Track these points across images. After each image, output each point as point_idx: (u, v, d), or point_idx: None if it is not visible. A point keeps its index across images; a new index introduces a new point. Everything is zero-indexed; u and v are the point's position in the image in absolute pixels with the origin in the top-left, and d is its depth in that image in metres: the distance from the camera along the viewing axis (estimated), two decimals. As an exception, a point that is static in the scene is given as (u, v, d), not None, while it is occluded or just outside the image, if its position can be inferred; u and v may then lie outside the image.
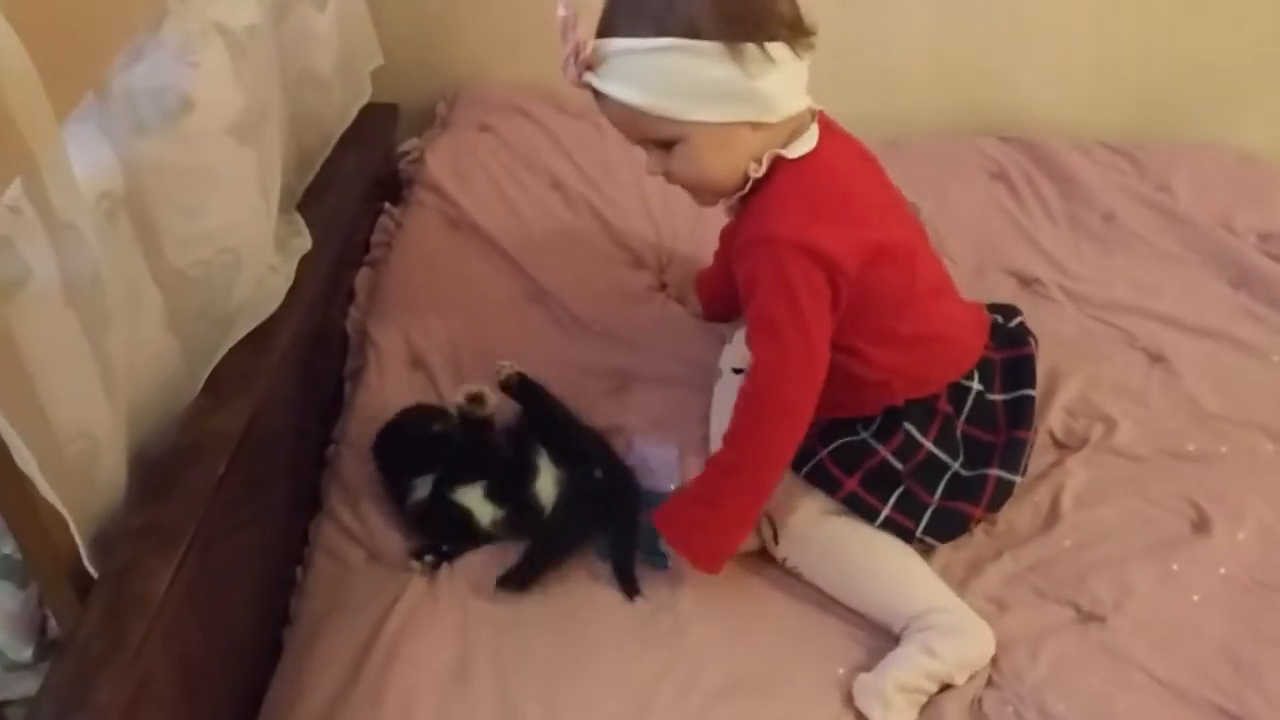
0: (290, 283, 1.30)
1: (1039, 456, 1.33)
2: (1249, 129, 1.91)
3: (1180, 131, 1.91)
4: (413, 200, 1.69)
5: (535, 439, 1.27)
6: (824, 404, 1.22)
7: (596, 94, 1.12)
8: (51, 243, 0.89)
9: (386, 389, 1.41)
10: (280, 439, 1.26)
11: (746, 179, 1.13)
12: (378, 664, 1.12)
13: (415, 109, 1.84)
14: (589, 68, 1.10)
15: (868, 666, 1.12)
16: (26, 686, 1.01)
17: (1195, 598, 1.20)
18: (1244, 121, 1.92)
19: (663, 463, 1.30)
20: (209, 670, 1.10)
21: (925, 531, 1.18)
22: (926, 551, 1.21)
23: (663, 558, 1.21)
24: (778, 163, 1.12)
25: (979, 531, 1.25)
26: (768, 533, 1.20)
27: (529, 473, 1.24)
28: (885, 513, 1.18)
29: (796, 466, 1.21)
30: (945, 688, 1.11)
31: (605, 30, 1.10)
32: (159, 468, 1.08)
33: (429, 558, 1.20)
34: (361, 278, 1.59)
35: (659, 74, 1.07)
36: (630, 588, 1.18)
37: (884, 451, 1.19)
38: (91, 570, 0.96)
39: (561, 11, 1.10)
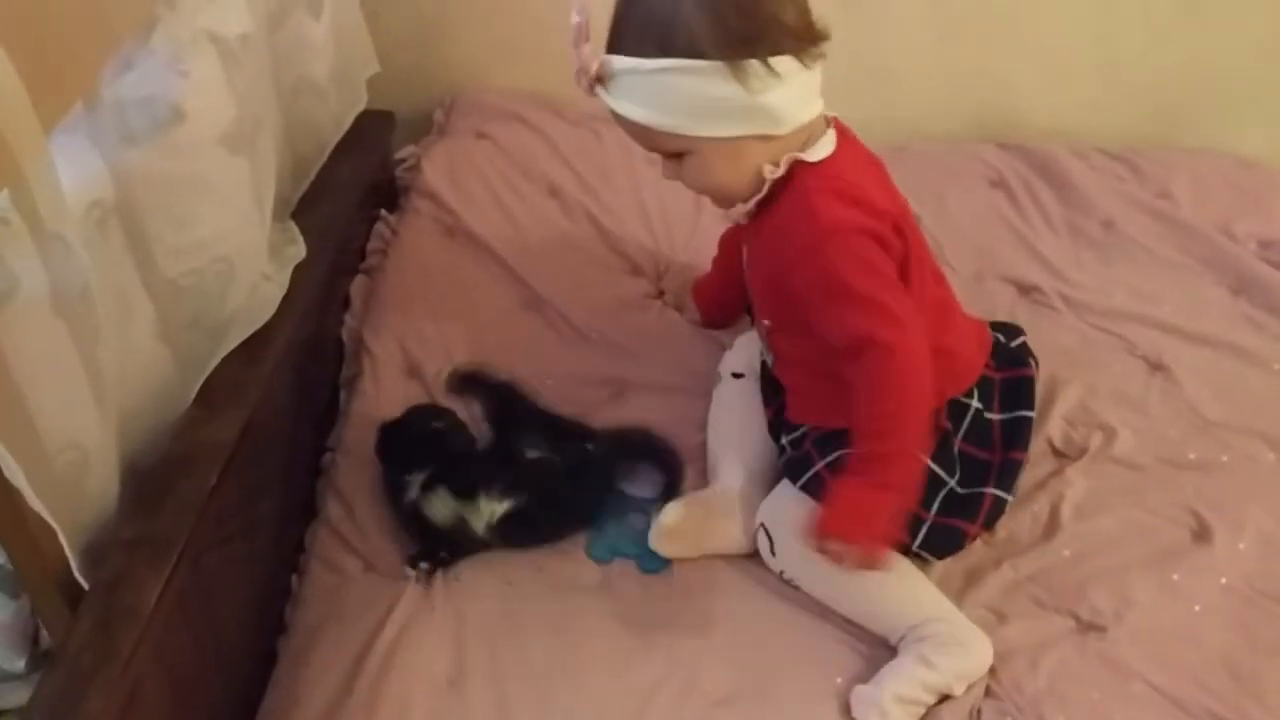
0: (284, 291, 1.30)
1: (1038, 465, 1.32)
2: (1249, 135, 1.90)
3: (1180, 137, 1.90)
4: (409, 208, 1.68)
5: (512, 427, 1.28)
6: (824, 412, 1.22)
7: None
8: (39, 254, 0.88)
9: (382, 397, 1.40)
10: (274, 448, 1.25)
11: (762, 183, 1.13)
12: (373, 672, 1.11)
13: (412, 116, 1.84)
14: (599, 81, 1.10)
15: (866, 676, 1.11)
16: (20, 697, 1.01)
17: (1196, 608, 1.19)
18: (1244, 127, 1.92)
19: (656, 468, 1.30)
20: (201, 681, 1.10)
21: (921, 547, 1.17)
22: (925, 562, 1.20)
23: (658, 562, 1.20)
24: (797, 166, 1.12)
25: (978, 541, 1.24)
26: (764, 544, 1.20)
27: (520, 450, 1.25)
28: (882, 525, 1.17)
29: (793, 477, 1.21)
30: (944, 698, 1.11)
31: (613, 45, 1.11)
32: (151, 478, 1.07)
33: (424, 565, 1.20)
34: (357, 285, 1.58)
35: (663, 93, 1.08)
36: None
37: None
38: (82, 581, 0.96)
39: (575, 18, 1.10)
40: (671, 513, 1.20)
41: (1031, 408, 1.26)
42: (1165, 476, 1.33)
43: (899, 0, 1.83)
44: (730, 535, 1.22)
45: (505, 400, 1.33)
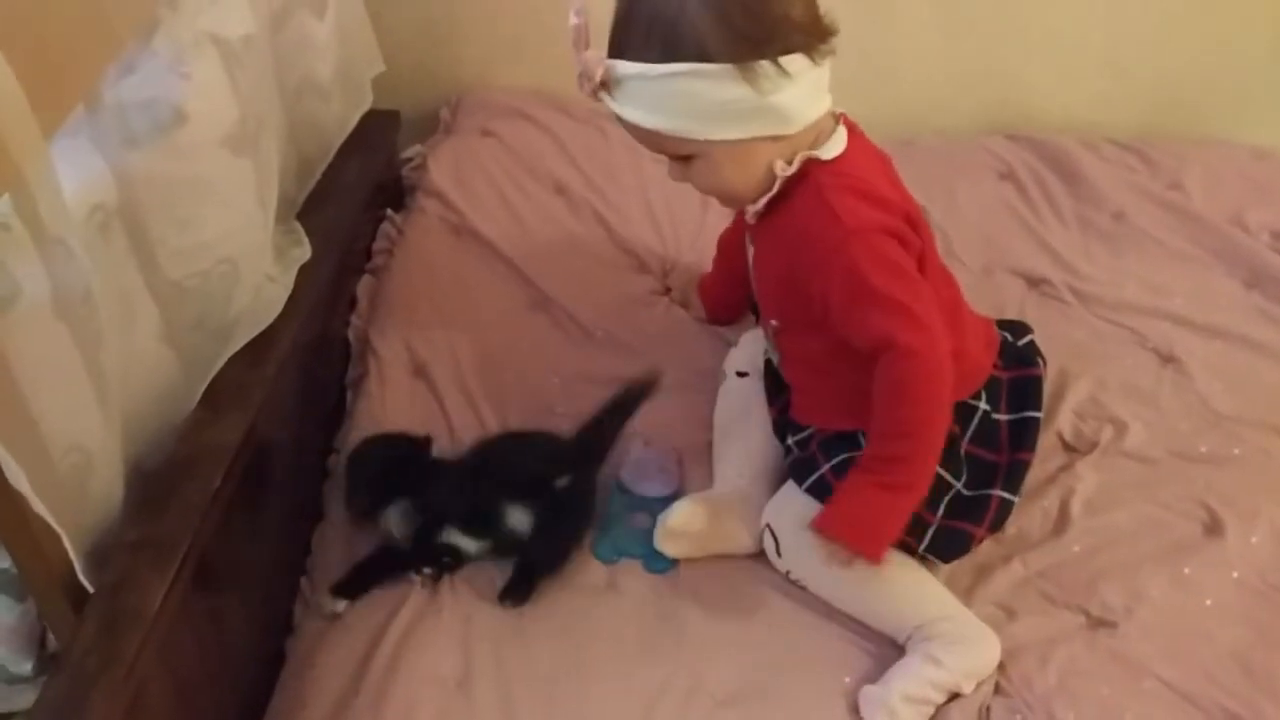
0: (289, 292, 1.30)
1: (1048, 460, 1.31)
2: (1262, 125, 1.89)
3: (1192, 128, 1.89)
4: (415, 207, 1.68)
5: (485, 474, 1.24)
6: (829, 413, 1.21)
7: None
8: (41, 259, 0.88)
9: (388, 397, 1.40)
10: (280, 449, 1.25)
11: (772, 182, 1.12)
12: (380, 674, 1.11)
13: (418, 115, 1.84)
14: (603, 87, 1.09)
15: (874, 675, 1.11)
16: (28, 699, 1.01)
17: (1207, 602, 1.18)
18: (1257, 117, 1.90)
19: (661, 468, 1.29)
20: (205, 683, 1.10)
21: (927, 550, 1.16)
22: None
23: (664, 563, 1.20)
24: (810, 164, 1.11)
25: (987, 536, 1.24)
26: (770, 544, 1.19)
27: (496, 510, 1.20)
28: (886, 529, 1.16)
29: (799, 479, 1.20)
30: (953, 697, 1.10)
31: (615, 50, 1.09)
32: (155, 480, 1.07)
33: (428, 570, 1.19)
34: (363, 285, 1.58)
35: (671, 98, 1.07)
36: (519, 595, 1.17)
37: None
38: (86, 584, 0.96)
39: (573, 20, 1.08)
40: (677, 513, 1.20)
41: (1039, 408, 1.24)
42: (1176, 470, 1.32)
43: (907, -4, 1.82)
44: (736, 535, 1.21)
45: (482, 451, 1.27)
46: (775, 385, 1.31)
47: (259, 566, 1.22)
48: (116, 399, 1.01)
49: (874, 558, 1.10)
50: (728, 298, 1.46)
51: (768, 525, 1.19)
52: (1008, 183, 1.77)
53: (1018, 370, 1.26)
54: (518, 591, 1.17)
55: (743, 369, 1.36)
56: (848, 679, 1.11)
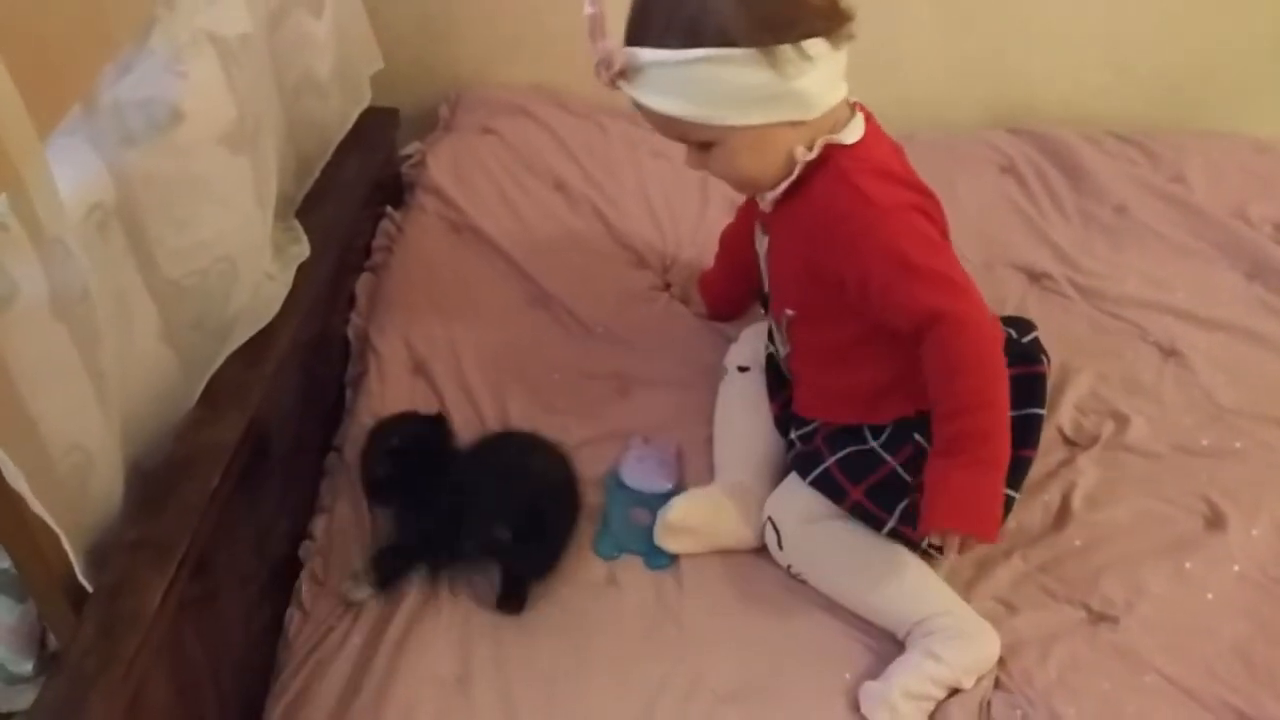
0: (288, 290, 1.29)
1: (1049, 454, 1.31)
2: (1264, 117, 1.88)
3: (1194, 121, 1.88)
4: (414, 204, 1.68)
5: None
6: (835, 407, 1.21)
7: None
8: (39, 258, 0.88)
9: (388, 395, 1.40)
10: (279, 448, 1.25)
11: (791, 168, 1.12)
12: (380, 672, 1.11)
13: (417, 112, 1.84)
14: (623, 75, 1.08)
15: (874, 671, 1.11)
16: (28, 699, 1.00)
17: (1209, 596, 1.18)
18: (1259, 110, 1.90)
19: (660, 462, 1.29)
20: (205, 684, 1.10)
21: (931, 544, 1.16)
22: (932, 558, 1.19)
23: (664, 558, 1.20)
24: (831, 149, 1.11)
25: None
26: (771, 538, 1.19)
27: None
28: (891, 524, 1.16)
29: (803, 472, 1.20)
30: (953, 692, 1.10)
31: (634, 38, 1.08)
32: (154, 480, 1.07)
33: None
34: (362, 283, 1.58)
35: (694, 84, 1.06)
36: (515, 603, 1.16)
37: (893, 462, 1.17)
38: (86, 584, 0.96)
39: (589, 9, 1.08)
40: (677, 508, 1.20)
41: (1043, 405, 1.24)
42: (1178, 464, 1.32)
43: (909, -12, 1.81)
44: (737, 530, 1.21)
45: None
46: (777, 380, 1.30)
47: (258, 566, 1.22)
48: (115, 398, 1.01)
49: (991, 537, 1.08)
50: (729, 294, 1.46)
51: (770, 518, 1.19)
52: (1009, 176, 1.77)
53: (1022, 367, 1.25)
54: (511, 601, 1.17)
55: (744, 364, 1.36)
56: (848, 675, 1.11)
